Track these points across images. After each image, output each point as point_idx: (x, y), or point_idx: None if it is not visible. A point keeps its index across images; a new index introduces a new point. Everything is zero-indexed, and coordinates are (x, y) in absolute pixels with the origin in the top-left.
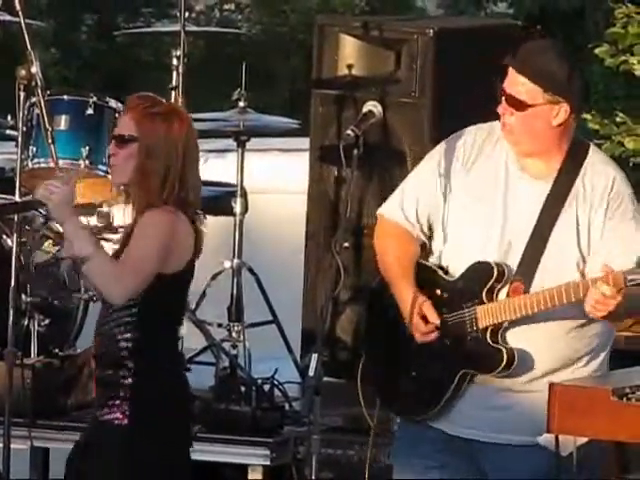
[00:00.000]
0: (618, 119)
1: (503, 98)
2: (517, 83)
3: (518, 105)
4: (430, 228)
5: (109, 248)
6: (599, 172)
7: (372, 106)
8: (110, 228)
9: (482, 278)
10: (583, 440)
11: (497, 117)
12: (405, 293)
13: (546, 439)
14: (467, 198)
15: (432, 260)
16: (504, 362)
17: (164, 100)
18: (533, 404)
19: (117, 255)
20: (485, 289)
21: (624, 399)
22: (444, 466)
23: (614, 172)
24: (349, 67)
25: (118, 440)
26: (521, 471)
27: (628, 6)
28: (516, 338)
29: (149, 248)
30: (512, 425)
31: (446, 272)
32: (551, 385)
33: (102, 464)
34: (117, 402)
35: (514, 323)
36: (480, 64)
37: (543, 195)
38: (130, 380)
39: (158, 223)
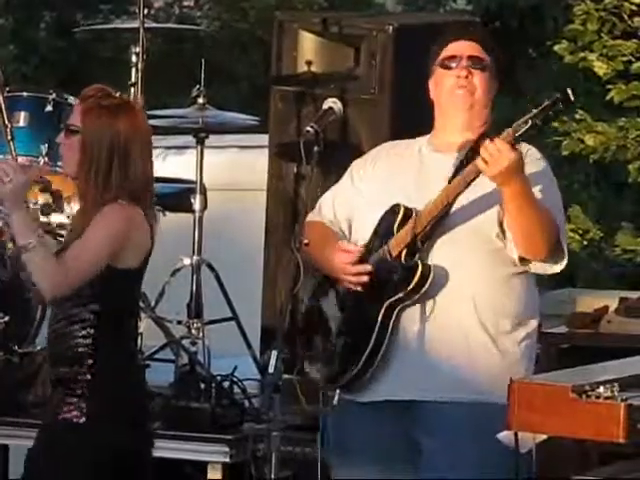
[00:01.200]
0: (577, 116)
1: (464, 62)
2: (476, 49)
3: (482, 66)
4: (350, 228)
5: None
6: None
7: (332, 103)
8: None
9: (391, 219)
10: (542, 437)
11: None
12: (328, 253)
13: (505, 436)
14: (378, 184)
15: None
16: (418, 273)
17: (118, 94)
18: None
19: (63, 249)
20: (396, 224)
21: (583, 396)
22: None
23: (529, 146)
24: (308, 64)
25: (77, 438)
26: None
27: (587, 3)
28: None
29: (94, 247)
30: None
31: None
32: (510, 382)
33: (61, 463)
34: (74, 400)
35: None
36: None
37: (451, 164)
38: (88, 377)
39: (112, 220)
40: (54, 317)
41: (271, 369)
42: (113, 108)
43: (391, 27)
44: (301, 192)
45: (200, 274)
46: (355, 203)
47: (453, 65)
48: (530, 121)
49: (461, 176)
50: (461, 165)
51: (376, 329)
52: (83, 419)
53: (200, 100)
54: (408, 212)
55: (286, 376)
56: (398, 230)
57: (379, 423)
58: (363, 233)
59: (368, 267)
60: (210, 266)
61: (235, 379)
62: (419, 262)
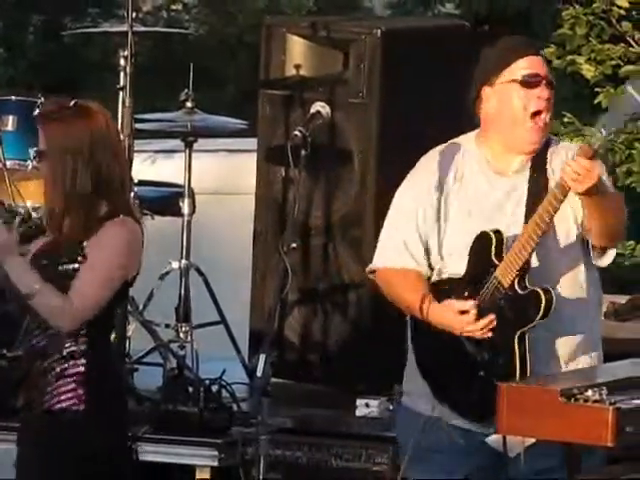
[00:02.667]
0: (566, 119)
1: (543, 81)
2: (545, 65)
3: (552, 84)
4: (427, 252)
5: None
6: (558, 151)
7: (320, 107)
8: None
9: (485, 248)
10: (531, 441)
11: (444, 118)
12: (440, 311)
13: (494, 439)
14: (457, 213)
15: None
16: (543, 300)
17: (74, 102)
18: None
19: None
20: (493, 254)
21: (572, 400)
22: None
23: (568, 145)
24: (297, 67)
25: (79, 425)
26: None
27: (576, 7)
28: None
29: (105, 273)
30: None
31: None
32: (499, 386)
33: (59, 452)
34: (70, 387)
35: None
36: (428, 64)
37: (523, 186)
38: (82, 369)
39: (117, 240)
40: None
41: (259, 373)
42: (68, 117)
43: (379, 31)
44: (289, 196)
45: (188, 278)
46: (431, 227)
47: (535, 85)
48: (605, 132)
49: (551, 196)
50: (535, 185)
51: (517, 360)
52: (83, 406)
53: (188, 104)
54: (500, 238)
55: (275, 380)
56: (497, 258)
57: None
58: (435, 263)
59: (492, 317)
60: (198, 270)
61: (223, 383)
62: (539, 290)
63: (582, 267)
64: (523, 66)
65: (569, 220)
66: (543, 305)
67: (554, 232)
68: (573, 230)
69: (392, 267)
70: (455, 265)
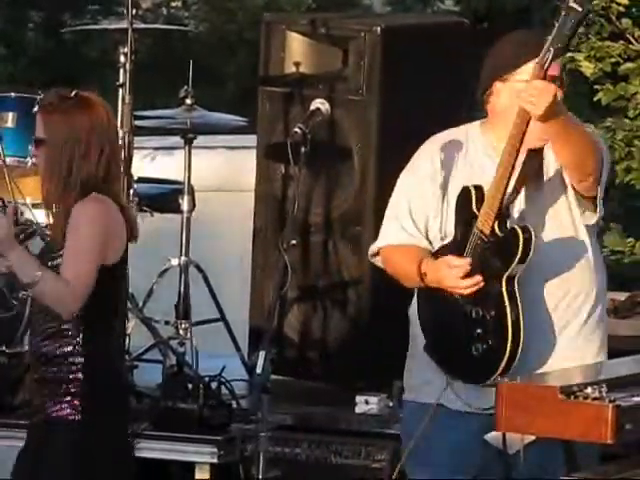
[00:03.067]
0: None
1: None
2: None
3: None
4: (427, 230)
5: None
6: None
7: (319, 103)
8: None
9: (467, 203)
10: (531, 438)
11: (444, 115)
12: (434, 267)
13: (493, 437)
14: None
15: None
16: (520, 237)
17: (74, 92)
18: None
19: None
20: (473, 206)
21: (572, 397)
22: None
23: None
24: (296, 65)
25: (73, 436)
26: None
27: None
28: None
29: (86, 246)
30: None
31: None
32: (498, 383)
33: (58, 463)
34: (67, 398)
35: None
36: (428, 61)
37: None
38: (80, 375)
39: (90, 216)
40: (38, 318)
41: (259, 370)
42: (70, 108)
43: (379, 28)
44: (289, 193)
45: (188, 275)
46: (432, 205)
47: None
48: (551, 48)
49: (516, 125)
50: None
51: (507, 307)
52: (79, 416)
53: (188, 101)
54: (479, 190)
55: (274, 377)
56: (478, 209)
57: None
58: (436, 239)
59: (479, 278)
60: (198, 267)
61: (223, 380)
62: (516, 227)
63: (574, 221)
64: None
65: (557, 178)
66: (521, 243)
67: (542, 181)
68: (562, 188)
69: (392, 244)
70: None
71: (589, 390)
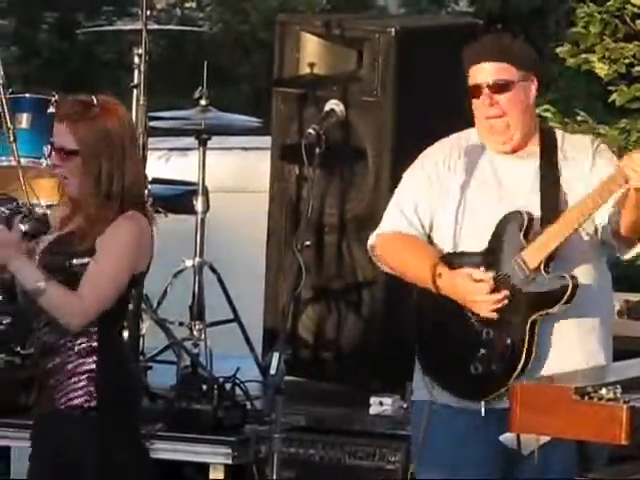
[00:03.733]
0: (579, 118)
1: (485, 90)
2: (492, 71)
3: (502, 87)
4: (431, 228)
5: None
6: (575, 142)
7: (334, 105)
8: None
9: (514, 226)
10: (545, 439)
11: (458, 116)
12: (451, 277)
13: (507, 438)
14: (472, 194)
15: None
16: (570, 285)
17: (93, 97)
18: None
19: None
20: (521, 233)
21: (586, 398)
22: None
23: (589, 137)
24: (310, 66)
25: (91, 424)
26: None
27: (590, 5)
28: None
29: (113, 271)
30: None
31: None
32: (512, 384)
33: (76, 453)
34: (81, 385)
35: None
36: (442, 63)
37: (533, 169)
38: (94, 366)
39: (125, 241)
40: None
41: (273, 370)
42: (97, 115)
43: (393, 29)
44: (303, 194)
45: (202, 276)
46: (439, 200)
47: (477, 95)
48: None
49: (603, 188)
50: (548, 173)
51: (526, 343)
52: (94, 403)
53: (202, 102)
54: (530, 220)
55: (288, 378)
56: (525, 238)
57: None
58: (447, 236)
59: (506, 293)
60: (212, 268)
61: (237, 381)
62: (568, 276)
63: (594, 261)
64: (470, 78)
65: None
66: (569, 291)
67: None
68: (590, 227)
69: (388, 231)
70: (469, 242)
71: (603, 391)
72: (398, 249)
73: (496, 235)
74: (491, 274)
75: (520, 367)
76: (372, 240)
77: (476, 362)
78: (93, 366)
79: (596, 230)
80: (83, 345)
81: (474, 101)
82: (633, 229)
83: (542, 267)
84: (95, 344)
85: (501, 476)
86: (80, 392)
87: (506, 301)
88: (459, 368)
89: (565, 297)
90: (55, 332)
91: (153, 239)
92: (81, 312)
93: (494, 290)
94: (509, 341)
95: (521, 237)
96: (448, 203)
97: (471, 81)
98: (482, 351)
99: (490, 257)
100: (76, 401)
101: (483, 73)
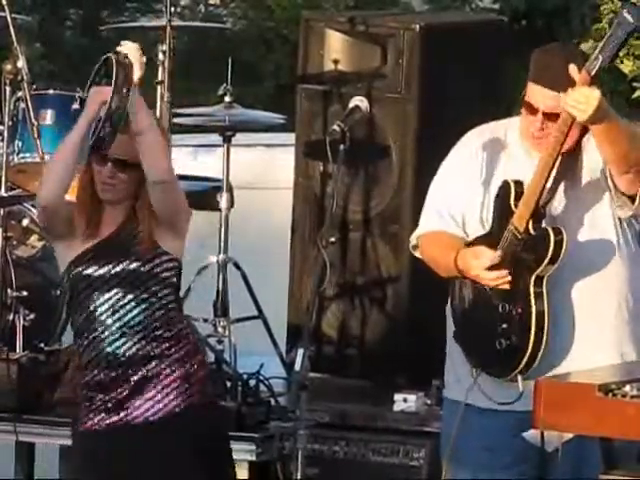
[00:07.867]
0: None
1: (539, 114)
2: (551, 99)
3: (556, 116)
4: (464, 223)
5: None
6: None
7: (358, 101)
8: None
9: (505, 197)
10: (569, 436)
11: (483, 113)
12: (463, 255)
13: (531, 435)
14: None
15: None
16: (552, 239)
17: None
18: None
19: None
20: (512, 201)
21: (610, 395)
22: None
23: None
24: (335, 62)
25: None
26: None
27: (614, 2)
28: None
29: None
30: None
31: None
32: (536, 381)
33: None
34: (200, 376)
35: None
36: (466, 59)
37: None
38: (200, 356)
39: None
40: (133, 281)
41: (297, 367)
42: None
43: (418, 26)
44: (327, 190)
45: (226, 272)
46: (469, 198)
47: (531, 112)
48: (600, 56)
49: (559, 128)
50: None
51: (533, 306)
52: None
53: (227, 98)
54: (519, 185)
55: (312, 374)
56: (516, 205)
57: None
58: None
59: (504, 272)
60: (236, 264)
61: (261, 377)
62: (548, 228)
63: (610, 219)
64: (528, 94)
65: (596, 171)
66: (552, 244)
67: (579, 181)
68: (602, 181)
69: (430, 230)
70: None
71: (627, 388)
72: (433, 249)
73: (494, 208)
74: (498, 252)
75: (534, 331)
76: (414, 240)
77: (500, 338)
78: (182, 353)
79: (605, 178)
80: (175, 351)
81: (526, 113)
82: (616, 162)
83: (530, 227)
84: (187, 347)
85: (534, 474)
86: (205, 383)
87: (507, 278)
88: (488, 347)
89: (550, 251)
90: (142, 342)
91: None
92: (169, 155)
93: (499, 267)
94: (520, 309)
95: (511, 204)
96: (476, 199)
97: (528, 96)
98: (503, 325)
99: (494, 231)
100: (208, 391)
101: (542, 97)
